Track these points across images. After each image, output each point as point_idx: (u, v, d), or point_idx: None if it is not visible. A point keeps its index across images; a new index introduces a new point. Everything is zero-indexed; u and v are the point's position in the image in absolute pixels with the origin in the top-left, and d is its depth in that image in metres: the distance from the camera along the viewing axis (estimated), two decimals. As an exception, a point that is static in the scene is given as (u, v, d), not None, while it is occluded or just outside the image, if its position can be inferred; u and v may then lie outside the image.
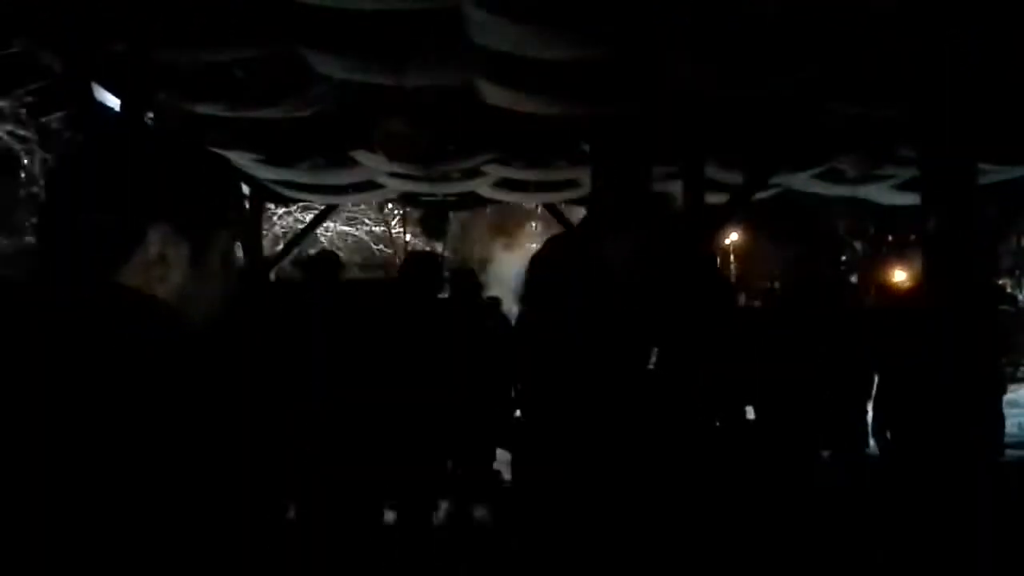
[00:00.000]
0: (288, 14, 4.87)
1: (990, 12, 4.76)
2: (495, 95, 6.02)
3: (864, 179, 8.75)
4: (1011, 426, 8.85)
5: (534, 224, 25.41)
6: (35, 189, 12.27)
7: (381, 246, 24.91)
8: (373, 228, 24.67)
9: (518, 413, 7.10)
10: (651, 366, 3.26)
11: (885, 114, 6.33)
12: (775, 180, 9.00)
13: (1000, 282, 13.66)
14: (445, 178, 8.96)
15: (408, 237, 24.76)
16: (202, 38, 5.33)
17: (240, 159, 8.58)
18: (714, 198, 8.77)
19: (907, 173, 8.07)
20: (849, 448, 8.19)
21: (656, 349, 3.24)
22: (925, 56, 4.89)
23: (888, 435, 8.19)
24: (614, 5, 4.77)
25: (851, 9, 4.76)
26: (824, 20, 4.89)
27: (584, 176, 9.00)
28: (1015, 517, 4.43)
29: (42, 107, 8.12)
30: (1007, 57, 5.24)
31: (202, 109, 6.72)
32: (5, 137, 11.84)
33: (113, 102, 6.24)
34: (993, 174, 7.98)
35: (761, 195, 9.58)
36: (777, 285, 16.82)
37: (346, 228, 23.88)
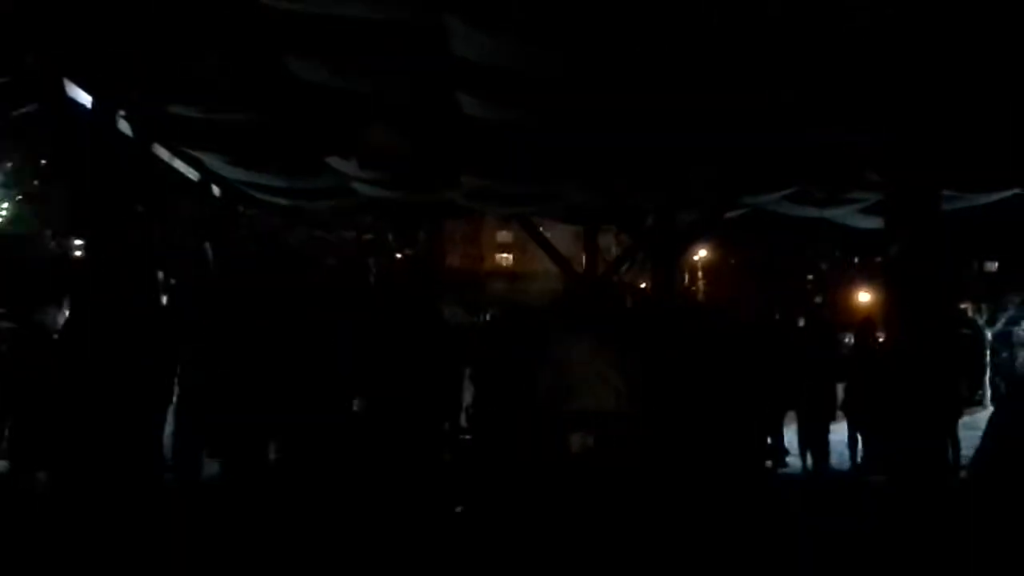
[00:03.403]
0: (267, 20, 4.86)
1: (957, 42, 4.86)
2: (473, 106, 6.05)
3: (831, 202, 8.90)
4: (967, 448, 8.99)
5: (506, 233, 25.46)
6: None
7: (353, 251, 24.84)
8: (344, 233, 24.62)
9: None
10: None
11: (852, 139, 6.44)
12: (745, 200, 9.12)
13: (962, 306, 13.89)
14: (418, 186, 8.97)
15: (379, 241, 24.71)
16: (178, 41, 5.32)
17: (211, 160, 8.54)
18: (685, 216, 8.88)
19: (873, 197, 8.21)
20: (820, 459, 8.33)
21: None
22: (893, 83, 4.99)
23: (858, 446, 8.30)
24: (591, 20, 4.82)
25: (821, 36, 4.85)
26: (795, 47, 4.97)
27: (558, 190, 9.06)
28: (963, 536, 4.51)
29: (11, 101, 8.03)
30: (974, 86, 5.36)
31: (175, 109, 6.69)
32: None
33: (84, 99, 6.20)
34: (957, 200, 8.15)
35: (731, 214, 9.71)
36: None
37: (317, 232, 23.81)
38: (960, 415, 8.34)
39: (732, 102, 5.94)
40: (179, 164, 8.58)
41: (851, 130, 6.28)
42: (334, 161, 7.92)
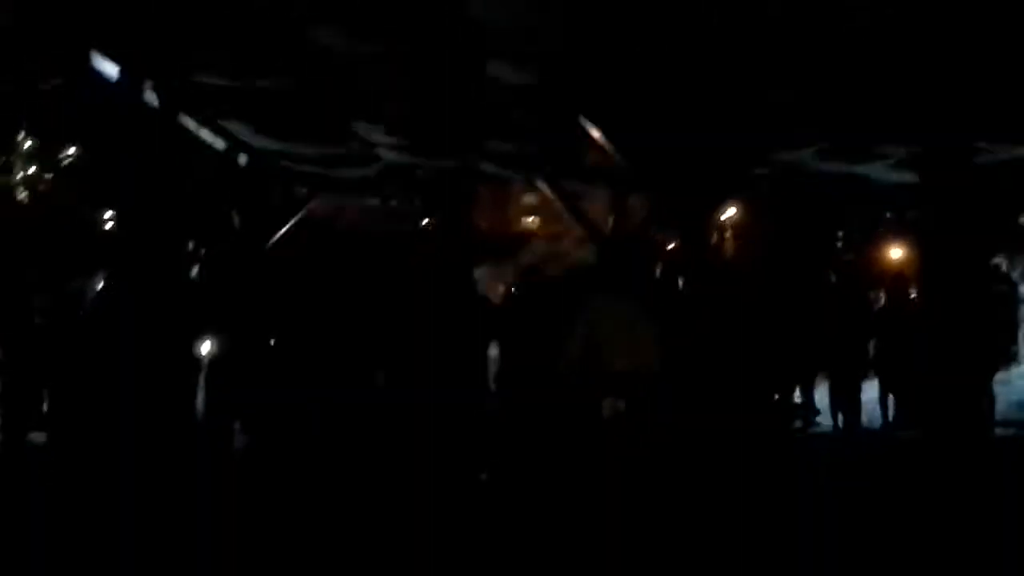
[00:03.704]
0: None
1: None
2: (496, 68, 6.01)
3: (862, 157, 8.76)
4: (1002, 404, 8.92)
5: (532, 196, 25.38)
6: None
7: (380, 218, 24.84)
8: (370, 200, 24.61)
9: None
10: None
11: (886, 91, 6.33)
12: (773, 157, 9.01)
13: (995, 261, 13.67)
14: (444, 151, 8.95)
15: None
16: (202, 9, 5.32)
17: (238, 129, 8.56)
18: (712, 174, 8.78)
19: (905, 152, 8.07)
20: (852, 417, 8.29)
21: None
22: (926, 35, 4.89)
23: (890, 405, 8.22)
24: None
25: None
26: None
27: (583, 150, 9.00)
28: (1002, 494, 4.49)
29: (40, 75, 8.08)
30: (1007, 37, 5.24)
31: (201, 79, 6.71)
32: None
33: (111, 71, 6.23)
34: (990, 153, 7.99)
35: (759, 171, 9.59)
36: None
37: (343, 201, 23.81)
38: (995, 371, 8.25)
39: (759, 57, 5.86)
40: (205, 134, 8.61)
41: (884, 84, 6.17)
42: (360, 127, 7.92)
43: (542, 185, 11.17)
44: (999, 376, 8.65)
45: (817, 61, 6.01)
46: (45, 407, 7.13)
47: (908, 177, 8.50)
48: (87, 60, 6.04)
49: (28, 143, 12.72)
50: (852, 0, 5.02)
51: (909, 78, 5.42)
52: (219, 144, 9.06)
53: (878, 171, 9.40)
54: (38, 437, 7.06)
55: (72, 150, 13.65)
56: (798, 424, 8.40)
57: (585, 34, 5.45)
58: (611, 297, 5.68)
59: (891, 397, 8.38)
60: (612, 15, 5.08)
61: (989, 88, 5.63)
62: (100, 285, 6.77)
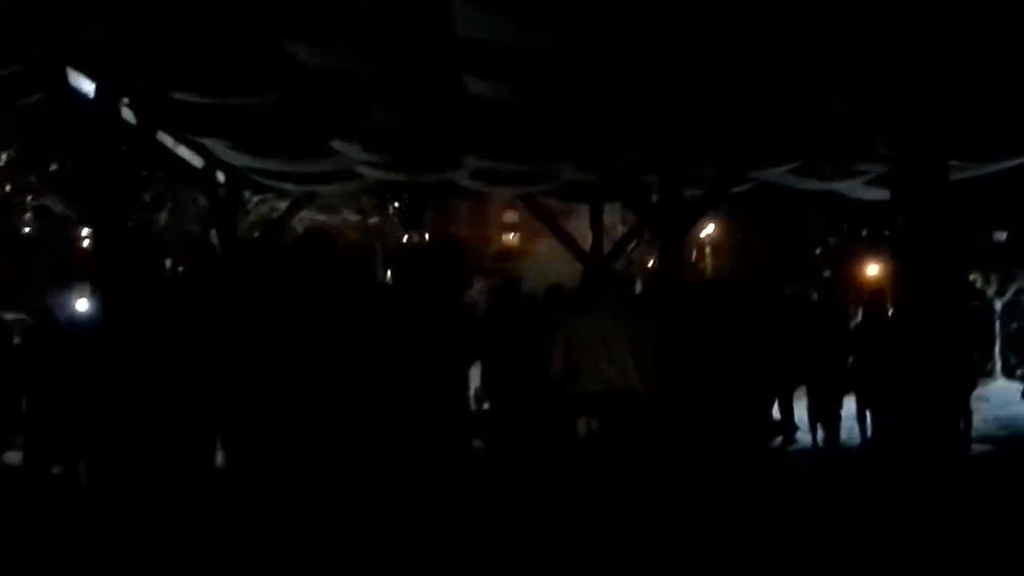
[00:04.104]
0: (267, 3, 4.85)
1: (965, 11, 4.82)
2: (476, 85, 6.02)
3: (838, 174, 8.85)
4: (979, 421, 8.99)
5: (512, 213, 25.40)
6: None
7: (357, 235, 24.84)
8: (348, 217, 24.59)
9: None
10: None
11: (857, 109, 6.40)
12: (751, 174, 9.08)
13: (971, 277, 13.82)
14: (422, 168, 8.95)
15: (385, 225, 24.70)
16: (179, 26, 5.30)
17: (216, 146, 8.54)
18: (690, 192, 8.84)
19: (880, 168, 8.16)
20: (829, 434, 8.32)
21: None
22: (898, 50, 4.94)
23: (867, 421, 8.26)
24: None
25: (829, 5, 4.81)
26: (800, 16, 4.93)
27: (560, 168, 9.03)
28: (981, 512, 4.52)
29: (16, 91, 8.03)
30: (979, 52, 5.31)
31: (178, 96, 6.68)
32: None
33: (87, 88, 6.19)
34: (964, 170, 8.09)
35: (737, 189, 9.67)
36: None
37: (322, 217, 23.79)
38: (972, 387, 8.32)
39: (733, 75, 5.91)
40: (184, 151, 8.58)
41: (856, 100, 6.24)
42: (338, 144, 7.91)
43: (520, 202, 11.20)
44: (976, 392, 8.71)
45: (791, 80, 6.07)
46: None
47: (882, 194, 8.60)
48: (64, 77, 6.01)
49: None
50: (822, 23, 5.07)
51: (880, 95, 5.48)
52: (197, 162, 9.03)
53: (853, 188, 9.50)
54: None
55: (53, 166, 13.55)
56: (777, 440, 8.43)
57: (565, 52, 5.48)
58: (587, 315, 5.69)
59: (868, 413, 8.43)
60: (592, 34, 5.11)
61: (960, 105, 5.70)
62: (78, 302, 6.71)
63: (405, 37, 5.19)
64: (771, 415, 8.29)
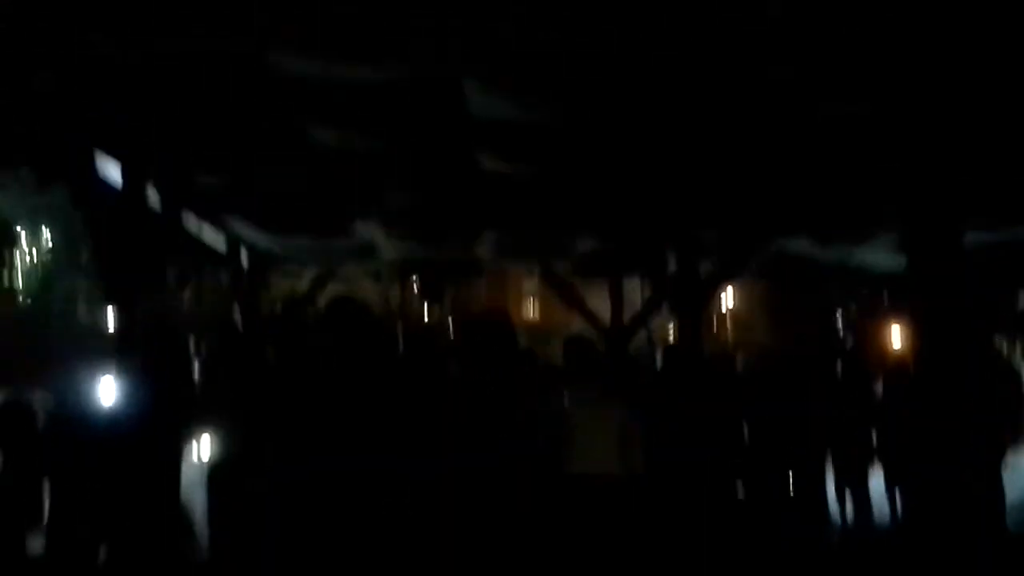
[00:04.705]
0: (286, 85, 4.97)
1: (976, 78, 4.86)
2: (491, 162, 6.12)
3: (855, 242, 8.83)
4: (1011, 492, 8.72)
5: (532, 284, 25.45)
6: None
7: (378, 309, 24.93)
8: (369, 291, 24.71)
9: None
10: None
11: (872, 179, 6.43)
12: (767, 245, 9.09)
13: (996, 343, 13.64)
14: (440, 244, 9.05)
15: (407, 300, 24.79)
16: (202, 109, 5.44)
17: (239, 226, 8.68)
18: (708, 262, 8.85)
19: (897, 236, 8.14)
20: (858, 511, 8.13)
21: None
22: (915, 120, 4.98)
23: (897, 493, 8.07)
24: (611, 78, 4.86)
25: (839, 68, 4.85)
26: (811, 85, 4.98)
27: (578, 240, 9.09)
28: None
29: (43, 180, 8.21)
30: (995, 123, 5.34)
31: (202, 179, 6.83)
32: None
33: (112, 169, 6.32)
34: (984, 234, 8.05)
35: (755, 260, 9.68)
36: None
37: (341, 288, 23.89)
38: (1002, 457, 8.13)
39: (748, 148, 5.97)
40: (208, 233, 8.72)
41: (871, 171, 6.27)
42: (359, 225, 8.03)
43: (538, 274, 11.25)
44: (1006, 463, 8.50)
45: (806, 151, 6.11)
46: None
47: (900, 262, 8.57)
48: (92, 163, 6.15)
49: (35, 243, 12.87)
50: (836, 91, 5.13)
51: (897, 163, 5.51)
52: (220, 242, 9.16)
53: (872, 256, 9.48)
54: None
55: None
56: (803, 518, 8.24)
57: (578, 128, 5.57)
58: (581, 396, 5.53)
59: (896, 488, 8.24)
60: (607, 111, 5.20)
61: (977, 171, 5.72)
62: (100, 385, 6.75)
63: (419, 119, 5.29)
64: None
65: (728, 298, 23.24)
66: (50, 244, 14.40)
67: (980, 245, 7.56)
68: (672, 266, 8.77)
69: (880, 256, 9.46)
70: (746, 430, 7.44)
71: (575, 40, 4.33)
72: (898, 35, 4.25)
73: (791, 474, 7.40)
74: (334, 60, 4.62)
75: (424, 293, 26.17)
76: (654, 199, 7.34)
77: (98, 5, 4.23)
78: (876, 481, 8.41)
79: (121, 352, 6.30)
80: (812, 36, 4.24)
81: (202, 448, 7.01)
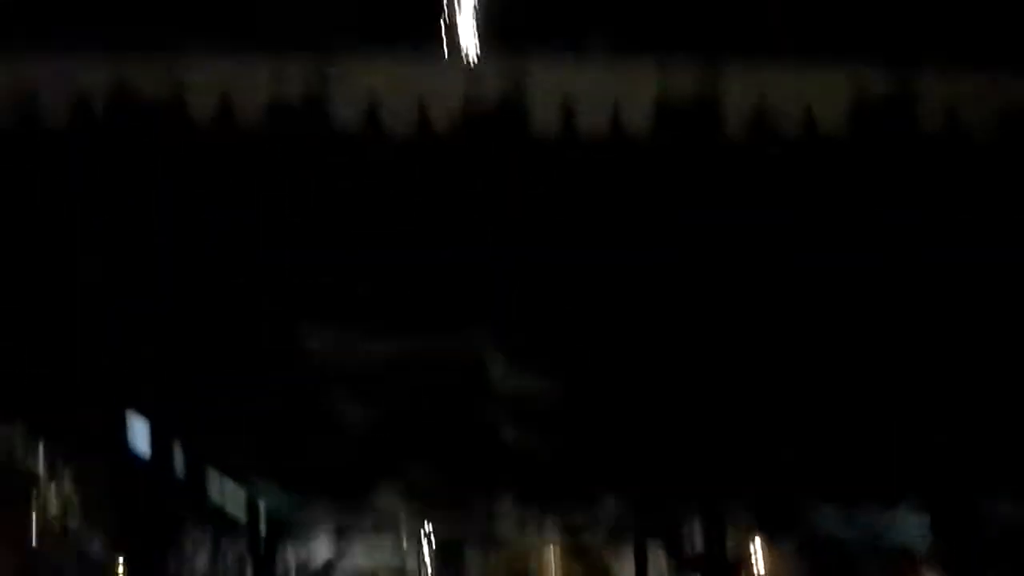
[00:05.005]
0: (312, 356, 5.17)
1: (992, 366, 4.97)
2: (515, 437, 6.18)
3: (880, 517, 8.62)
4: None
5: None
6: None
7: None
8: (388, 563, 23.92)
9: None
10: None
11: (893, 457, 6.42)
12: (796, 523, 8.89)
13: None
14: (459, 514, 8.94)
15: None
16: (235, 380, 5.63)
17: (261, 491, 8.66)
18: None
19: (922, 512, 7.96)
20: None
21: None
22: (931, 404, 5.05)
23: None
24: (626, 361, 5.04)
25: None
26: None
27: (601, 518, 8.96)
28: None
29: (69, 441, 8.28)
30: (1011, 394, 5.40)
31: (227, 442, 6.91)
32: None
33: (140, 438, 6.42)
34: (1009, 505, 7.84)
35: (781, 538, 9.42)
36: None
37: (360, 561, 23.14)
38: None
39: (769, 424, 6.03)
40: (229, 504, 8.69)
41: (891, 447, 6.27)
42: (378, 496, 8.01)
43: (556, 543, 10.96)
44: None
45: (824, 423, 6.16)
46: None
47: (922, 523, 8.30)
48: (123, 426, 6.26)
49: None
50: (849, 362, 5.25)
51: (916, 437, 5.54)
52: (239, 511, 9.07)
53: (897, 530, 9.21)
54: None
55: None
56: None
57: (595, 401, 5.69)
58: None
59: None
60: (619, 387, 5.34)
61: (994, 446, 5.71)
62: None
63: (445, 396, 5.45)
64: None
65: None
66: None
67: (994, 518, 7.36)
68: (696, 541, 8.55)
69: (901, 530, 9.19)
70: None
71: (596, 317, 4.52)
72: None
73: None
74: (362, 336, 4.84)
75: (441, 564, 25.20)
76: (673, 471, 7.29)
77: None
78: None
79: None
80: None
81: None
